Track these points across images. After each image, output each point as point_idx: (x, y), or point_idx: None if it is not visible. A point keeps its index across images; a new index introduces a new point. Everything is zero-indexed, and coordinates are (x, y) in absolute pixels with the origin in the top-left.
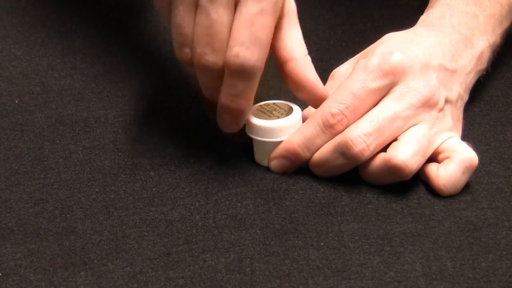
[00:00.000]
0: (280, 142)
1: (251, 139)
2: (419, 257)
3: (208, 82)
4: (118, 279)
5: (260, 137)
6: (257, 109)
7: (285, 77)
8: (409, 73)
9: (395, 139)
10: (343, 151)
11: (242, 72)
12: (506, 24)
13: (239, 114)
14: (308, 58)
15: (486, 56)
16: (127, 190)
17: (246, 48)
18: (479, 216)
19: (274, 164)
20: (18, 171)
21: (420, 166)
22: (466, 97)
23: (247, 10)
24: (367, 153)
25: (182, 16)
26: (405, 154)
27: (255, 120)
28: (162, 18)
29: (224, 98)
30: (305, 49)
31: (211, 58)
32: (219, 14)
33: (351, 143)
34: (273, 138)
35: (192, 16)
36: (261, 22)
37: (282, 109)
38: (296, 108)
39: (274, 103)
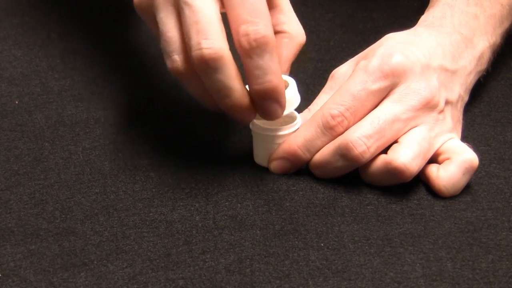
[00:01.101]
0: (280, 136)
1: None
2: (419, 258)
3: (211, 80)
4: (118, 280)
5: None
6: None
7: None
8: (410, 75)
9: (396, 141)
10: (344, 153)
11: (259, 47)
12: (506, 25)
13: (277, 93)
14: (303, 37)
15: (487, 56)
16: (127, 191)
17: (251, 24)
18: (479, 217)
19: (274, 165)
20: (18, 172)
21: (421, 168)
22: (466, 98)
23: None
24: (368, 155)
25: (165, 22)
26: (406, 157)
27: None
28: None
29: (255, 83)
30: (300, 27)
31: (206, 44)
32: (202, 1)
33: (351, 145)
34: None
35: (174, 19)
36: None
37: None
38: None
39: None
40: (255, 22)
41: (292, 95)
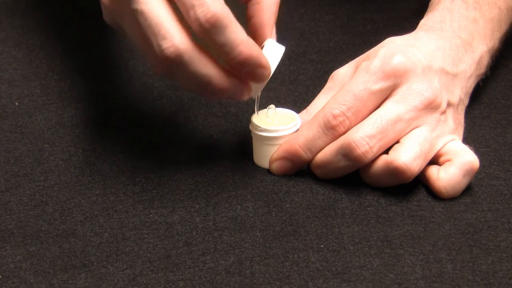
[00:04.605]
0: (280, 137)
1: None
2: (419, 260)
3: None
4: (118, 282)
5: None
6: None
7: (247, 19)
8: (411, 76)
9: (397, 141)
10: (346, 153)
11: (214, 27)
12: (504, 29)
13: (253, 59)
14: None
15: (485, 60)
16: (127, 192)
17: (198, 7)
18: (479, 218)
19: (275, 166)
20: (18, 173)
21: (422, 168)
22: (466, 102)
23: None
24: (370, 155)
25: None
26: (407, 157)
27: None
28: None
29: (228, 59)
30: None
31: (166, 44)
32: (147, 3)
33: (354, 145)
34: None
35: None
36: None
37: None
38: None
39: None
40: (200, 4)
41: (271, 51)
